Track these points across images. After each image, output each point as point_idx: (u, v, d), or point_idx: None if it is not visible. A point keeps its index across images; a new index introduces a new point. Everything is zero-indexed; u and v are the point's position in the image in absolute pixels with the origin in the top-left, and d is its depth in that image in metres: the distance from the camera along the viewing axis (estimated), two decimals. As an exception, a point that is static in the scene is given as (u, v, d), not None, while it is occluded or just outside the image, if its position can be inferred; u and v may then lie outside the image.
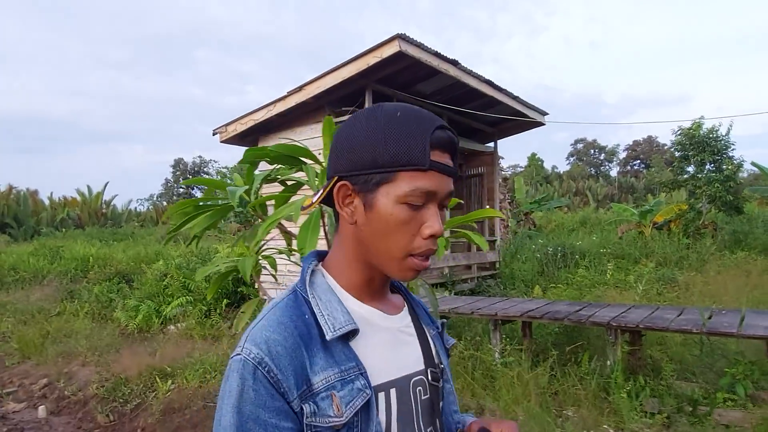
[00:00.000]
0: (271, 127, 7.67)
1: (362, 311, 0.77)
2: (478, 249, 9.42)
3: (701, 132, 13.15)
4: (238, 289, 8.24)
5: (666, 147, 51.91)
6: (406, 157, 0.70)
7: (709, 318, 4.23)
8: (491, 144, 9.95)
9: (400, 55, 6.06)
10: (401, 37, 5.94)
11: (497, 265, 9.62)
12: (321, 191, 0.78)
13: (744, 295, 7.91)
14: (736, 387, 3.89)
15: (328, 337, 0.70)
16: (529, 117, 8.98)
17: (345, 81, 6.52)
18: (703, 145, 12.96)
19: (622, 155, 63.72)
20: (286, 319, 0.71)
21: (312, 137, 7.32)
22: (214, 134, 7.79)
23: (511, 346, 4.78)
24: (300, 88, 6.83)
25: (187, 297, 8.21)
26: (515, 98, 8.47)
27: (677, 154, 13.78)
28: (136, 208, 40.21)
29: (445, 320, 0.95)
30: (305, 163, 2.08)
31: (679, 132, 13.62)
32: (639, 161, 61.73)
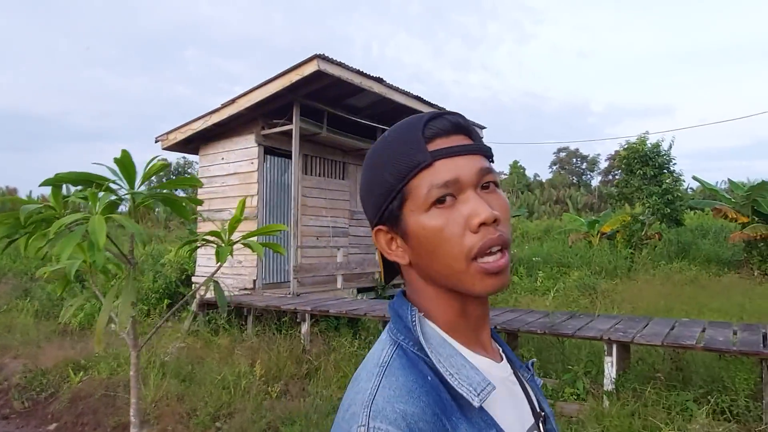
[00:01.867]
0: (210, 136, 8.10)
1: (478, 362, 0.64)
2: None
3: (646, 147, 13.77)
4: (179, 290, 8.61)
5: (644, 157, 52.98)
6: (407, 165, 0.61)
7: (553, 322, 4.72)
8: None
9: (320, 74, 6.52)
10: (320, 57, 6.41)
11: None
12: (377, 255, 0.70)
13: (656, 302, 8.46)
14: (576, 383, 4.38)
15: (475, 404, 0.58)
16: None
17: (273, 95, 6.97)
18: (646, 160, 13.58)
19: (604, 165, 64.77)
20: (413, 385, 0.57)
21: (246, 147, 7.77)
22: (156, 141, 8.20)
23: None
24: (233, 101, 7.27)
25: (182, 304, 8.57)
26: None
27: (623, 167, 14.38)
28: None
29: (534, 360, 0.84)
30: (101, 186, 2.39)
31: (625, 146, 14.23)
32: (620, 171, 62.74)
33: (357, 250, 9.14)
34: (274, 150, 8.01)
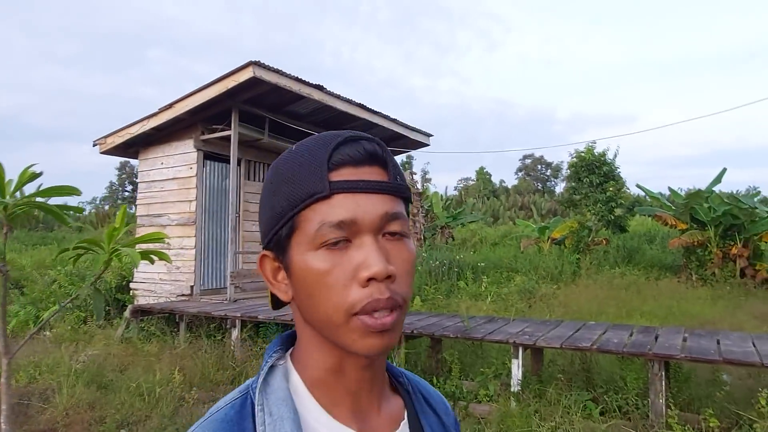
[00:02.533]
0: (150, 140, 8.02)
1: None
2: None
3: (592, 155, 14.26)
4: (117, 297, 8.48)
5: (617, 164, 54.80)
6: (302, 191, 0.53)
7: (466, 324, 4.88)
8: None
9: (256, 80, 6.56)
10: (256, 64, 6.45)
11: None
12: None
13: (590, 306, 8.78)
14: (489, 385, 4.53)
15: None
16: (410, 138, 9.66)
17: (211, 101, 6.97)
18: (592, 168, 14.06)
19: (568, 172, 66.23)
20: None
21: (185, 152, 7.73)
22: (94, 145, 8.07)
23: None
24: (170, 105, 7.23)
25: (67, 304, 8.39)
26: (393, 121, 9.12)
27: (572, 175, 14.85)
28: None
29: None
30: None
31: (574, 155, 14.71)
32: (569, 179, 64.47)
33: (302, 256, 9.18)
34: (214, 155, 7.99)
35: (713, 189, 13.79)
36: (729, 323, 7.39)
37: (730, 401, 3.94)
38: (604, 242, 14.29)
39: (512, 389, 4.21)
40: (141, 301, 7.74)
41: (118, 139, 7.86)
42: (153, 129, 7.64)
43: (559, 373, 4.51)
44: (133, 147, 8.21)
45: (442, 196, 22.44)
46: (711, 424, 3.50)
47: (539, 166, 67.08)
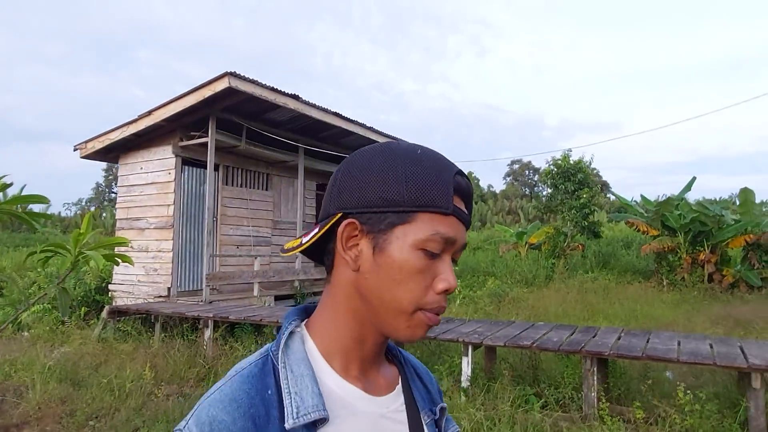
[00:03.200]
0: (131, 146, 8.24)
1: (340, 391, 0.63)
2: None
3: (569, 163, 14.66)
4: (96, 298, 8.66)
5: (594, 170, 55.68)
6: (428, 198, 0.61)
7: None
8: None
9: (231, 90, 6.83)
10: (231, 74, 6.72)
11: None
12: (316, 229, 0.65)
13: (557, 308, 9.11)
14: (441, 381, 4.82)
15: (287, 426, 0.57)
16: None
17: (189, 109, 7.22)
18: (568, 175, 14.45)
19: (591, 173, 66.78)
20: (242, 395, 0.59)
21: (164, 158, 7.97)
22: (74, 150, 8.28)
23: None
24: (149, 113, 7.47)
25: (46, 305, 8.56)
26: (369, 128, 9.42)
27: (549, 182, 15.24)
28: (60, 212, 39.01)
29: (443, 405, 0.75)
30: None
31: (551, 162, 15.11)
32: (547, 186, 65.25)
33: (279, 259, 9.43)
34: (193, 161, 8.23)
35: (683, 196, 14.26)
36: (684, 326, 7.74)
37: (663, 395, 4.26)
38: (580, 248, 14.71)
39: (462, 385, 4.50)
40: (120, 302, 7.95)
41: (98, 144, 8.07)
42: (133, 135, 7.87)
43: (509, 370, 4.82)
44: (114, 152, 8.43)
45: None
46: (637, 416, 3.82)
47: (527, 172, 67.74)
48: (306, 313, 0.70)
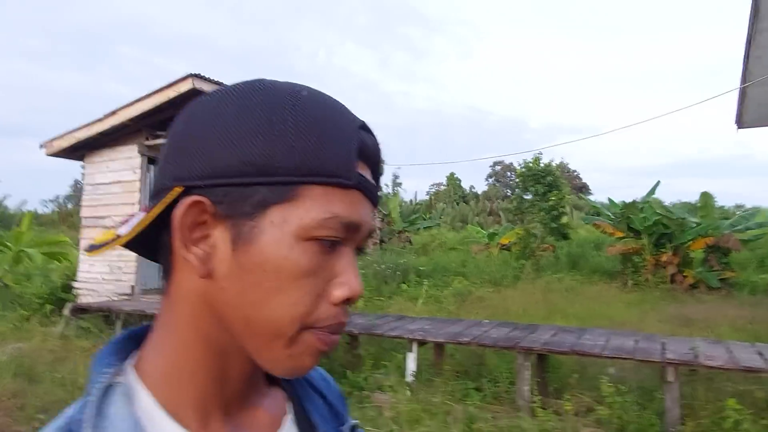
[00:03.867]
0: (97, 144, 8.29)
1: None
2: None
3: (539, 166, 15.00)
4: (61, 296, 8.69)
5: (574, 173, 56.76)
6: (320, 163, 0.41)
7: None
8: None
9: (195, 91, 6.93)
10: (195, 76, 6.83)
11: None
12: (142, 214, 0.43)
13: (518, 308, 9.38)
14: (390, 376, 5.01)
15: None
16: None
17: (154, 109, 7.30)
18: (538, 178, 14.80)
19: (559, 176, 67.61)
20: None
21: (129, 157, 8.04)
22: (40, 147, 8.30)
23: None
24: (114, 112, 7.54)
25: (11, 302, 8.57)
26: (337, 130, 9.58)
27: (520, 184, 15.58)
28: (36, 209, 38.48)
29: (356, 422, 0.60)
30: None
31: (522, 165, 15.44)
32: (518, 188, 66.28)
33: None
34: (156, 160, 8.30)
35: (648, 200, 14.69)
36: (636, 324, 8.03)
37: (594, 390, 4.50)
38: (551, 248, 15.06)
39: (407, 380, 4.69)
40: (85, 300, 7.99)
41: (64, 143, 8.11)
42: (99, 134, 7.92)
43: (454, 366, 5.03)
44: (80, 150, 8.46)
45: (402, 201, 22.96)
46: (566, 408, 4.04)
47: (509, 173, 68.43)
48: (133, 342, 0.46)
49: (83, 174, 8.51)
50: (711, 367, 3.53)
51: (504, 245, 15.68)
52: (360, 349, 5.86)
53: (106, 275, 7.98)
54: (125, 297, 7.71)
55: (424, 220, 19.99)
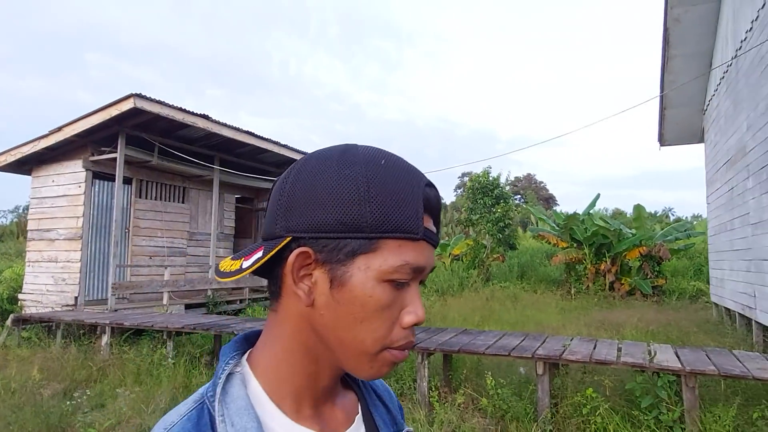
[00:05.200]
0: (44, 159, 8.50)
1: None
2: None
3: (486, 179, 15.69)
4: (6, 307, 8.81)
5: (541, 184, 58.34)
6: (395, 221, 0.52)
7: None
8: (277, 182, 11.44)
9: (137, 110, 7.27)
10: (137, 95, 7.17)
11: (276, 289, 10.95)
12: (260, 253, 0.54)
13: (455, 315, 9.89)
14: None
15: None
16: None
17: (98, 126, 7.59)
18: (486, 191, 15.47)
19: (506, 189, 68.89)
20: None
21: (75, 171, 8.28)
22: (-14, 162, 8.46)
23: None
24: (60, 129, 7.79)
25: None
26: (283, 146, 9.99)
27: (470, 196, 16.22)
28: (-7, 221, 37.47)
29: (411, 429, 0.70)
30: None
31: (471, 178, 16.11)
32: (520, 196, 67.68)
33: (195, 269, 9.82)
34: (105, 175, 8.56)
35: (589, 212, 15.51)
36: (562, 329, 8.60)
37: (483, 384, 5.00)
38: (501, 258, 15.72)
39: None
40: (30, 311, 8.15)
41: (10, 158, 8.30)
42: (45, 149, 8.15)
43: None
44: (27, 165, 8.65)
45: None
46: (459, 401, 4.52)
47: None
48: (247, 342, 0.60)
49: (31, 188, 8.70)
50: (570, 361, 4.05)
51: (456, 256, 16.27)
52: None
53: (50, 287, 8.16)
54: (69, 308, 7.91)
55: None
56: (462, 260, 15.73)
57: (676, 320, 9.47)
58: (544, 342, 4.70)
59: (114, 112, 7.27)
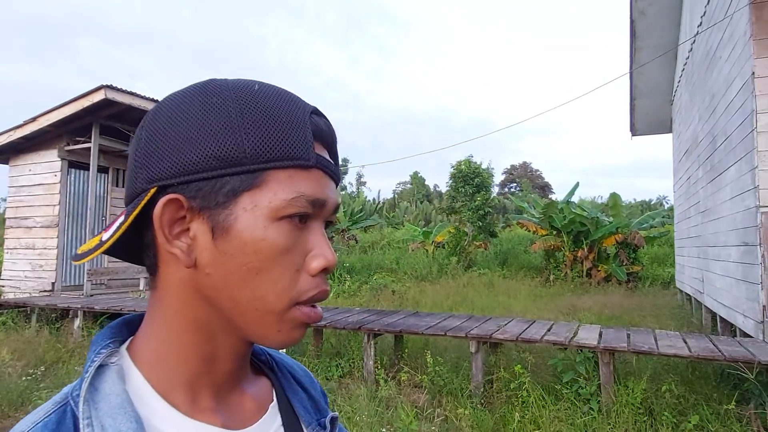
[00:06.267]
0: (21, 148, 8.69)
1: None
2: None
3: (468, 167, 15.90)
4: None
5: (537, 172, 58.53)
6: (280, 148, 0.44)
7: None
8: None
9: (107, 101, 7.45)
10: (108, 87, 7.35)
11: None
12: (122, 218, 0.45)
13: (429, 299, 10.18)
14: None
15: None
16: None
17: (72, 116, 7.78)
18: (467, 180, 15.69)
19: (501, 178, 69.27)
20: None
21: (50, 161, 8.48)
22: (-37, 152, 8.66)
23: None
24: (34, 119, 7.98)
25: None
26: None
27: (452, 185, 16.44)
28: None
29: (335, 414, 0.59)
30: None
31: (453, 167, 16.31)
32: (515, 184, 67.81)
33: (173, 256, 10.06)
34: (81, 164, 8.76)
35: (569, 200, 15.76)
36: (532, 313, 8.86)
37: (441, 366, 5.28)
38: (484, 246, 16.00)
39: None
40: (8, 296, 8.39)
41: (-13, 147, 8.49)
42: (22, 138, 8.33)
43: (328, 348, 5.76)
44: (4, 154, 8.84)
45: (365, 200, 23.56)
46: (402, 378, 4.79)
47: (472, 173, 69.11)
48: (128, 328, 0.50)
49: (8, 177, 8.89)
50: (500, 340, 4.32)
51: (438, 243, 16.54)
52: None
53: (28, 273, 8.40)
54: (46, 293, 8.16)
55: (370, 218, 20.61)
56: (444, 247, 16.00)
57: (641, 305, 9.76)
58: (483, 323, 4.96)
59: (86, 103, 7.46)
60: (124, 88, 7.56)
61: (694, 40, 7.17)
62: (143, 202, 0.44)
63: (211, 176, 0.43)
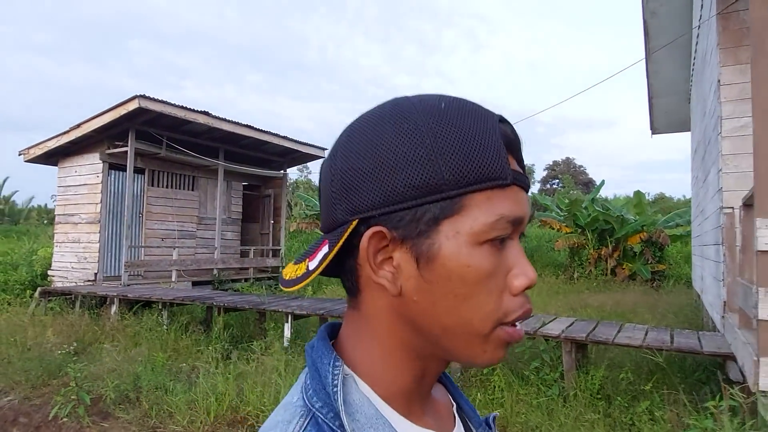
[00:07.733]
0: (68, 152, 9.65)
1: None
2: (262, 255, 11.70)
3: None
4: (38, 283, 10.08)
5: (581, 168, 57.34)
6: (477, 170, 0.43)
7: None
8: (281, 171, 12.33)
9: (142, 110, 8.22)
10: (141, 97, 8.11)
11: (280, 269, 11.90)
12: (325, 248, 0.47)
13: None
14: (276, 342, 6.24)
15: None
16: (302, 151, 11.40)
17: (111, 123, 8.62)
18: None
19: (543, 174, 68.10)
20: None
21: (93, 163, 9.39)
22: (19, 154, 9.68)
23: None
24: (78, 126, 8.87)
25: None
26: (284, 138, 10.82)
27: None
28: (46, 204, 40.46)
29: (496, 414, 0.62)
30: None
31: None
32: (557, 180, 66.37)
33: (204, 250, 10.85)
34: (121, 166, 9.64)
35: (595, 197, 15.69)
36: (541, 309, 9.08)
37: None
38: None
39: (284, 345, 5.93)
40: (57, 285, 9.37)
41: (38, 151, 9.49)
42: (68, 143, 9.26)
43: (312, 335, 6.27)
44: (54, 157, 9.83)
45: None
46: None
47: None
48: (331, 335, 0.51)
49: (58, 177, 9.87)
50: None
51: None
52: (265, 324, 7.13)
53: (74, 264, 9.34)
54: (89, 282, 9.06)
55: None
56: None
57: (656, 303, 9.79)
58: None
59: (122, 111, 8.25)
60: (155, 97, 8.31)
61: (697, 42, 7.25)
62: (347, 233, 0.45)
63: (412, 206, 0.43)
